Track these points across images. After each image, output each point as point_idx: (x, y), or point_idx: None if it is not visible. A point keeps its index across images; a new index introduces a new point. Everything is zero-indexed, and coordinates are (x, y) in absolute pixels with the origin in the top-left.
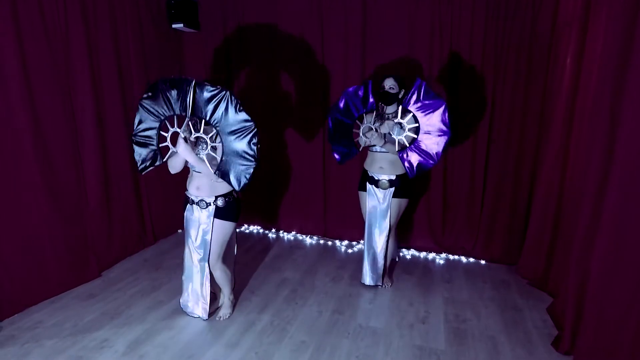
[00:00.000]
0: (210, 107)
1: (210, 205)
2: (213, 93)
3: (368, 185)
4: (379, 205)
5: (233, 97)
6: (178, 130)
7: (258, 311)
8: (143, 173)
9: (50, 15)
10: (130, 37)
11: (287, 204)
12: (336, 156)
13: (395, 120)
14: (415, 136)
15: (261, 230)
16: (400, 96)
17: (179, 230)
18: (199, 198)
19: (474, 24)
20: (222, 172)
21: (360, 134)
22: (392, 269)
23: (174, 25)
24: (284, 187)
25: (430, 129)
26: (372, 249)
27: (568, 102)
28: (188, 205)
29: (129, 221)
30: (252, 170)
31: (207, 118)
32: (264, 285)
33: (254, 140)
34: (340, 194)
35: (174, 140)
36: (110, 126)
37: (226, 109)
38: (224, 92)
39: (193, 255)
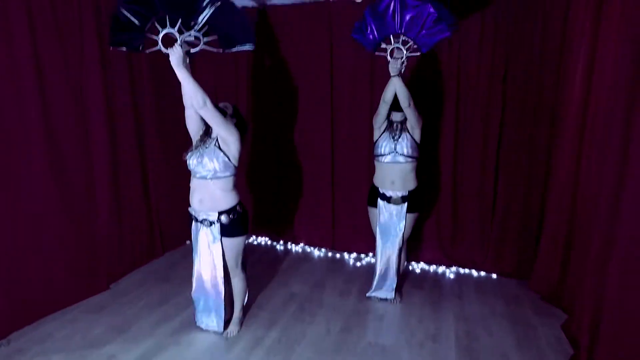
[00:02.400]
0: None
1: (214, 224)
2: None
3: (379, 201)
4: (391, 220)
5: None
6: (172, 31)
7: (266, 328)
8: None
9: (63, 18)
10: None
11: (295, 215)
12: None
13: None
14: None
15: (269, 242)
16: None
17: (187, 242)
18: (202, 217)
19: (484, 30)
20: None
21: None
22: (401, 283)
23: None
24: (292, 199)
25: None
26: (385, 264)
27: (580, 108)
28: (194, 223)
29: (139, 233)
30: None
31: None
32: (271, 300)
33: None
34: (349, 205)
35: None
36: (122, 137)
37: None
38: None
39: (204, 272)
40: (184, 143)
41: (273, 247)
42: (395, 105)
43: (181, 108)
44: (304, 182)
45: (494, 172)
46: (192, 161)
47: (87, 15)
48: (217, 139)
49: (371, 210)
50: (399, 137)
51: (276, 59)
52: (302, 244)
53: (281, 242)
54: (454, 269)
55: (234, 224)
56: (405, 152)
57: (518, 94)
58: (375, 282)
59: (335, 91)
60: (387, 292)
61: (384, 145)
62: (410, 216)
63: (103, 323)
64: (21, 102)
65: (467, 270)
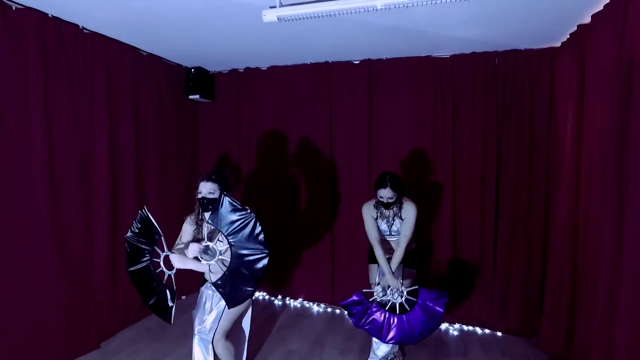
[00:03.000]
0: (234, 226)
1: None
2: (240, 215)
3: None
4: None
5: (258, 223)
6: (169, 253)
7: None
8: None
9: (77, 83)
10: (149, 108)
11: (294, 270)
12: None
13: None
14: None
15: (267, 297)
16: (395, 200)
17: (183, 297)
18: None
19: (474, 99)
20: (222, 285)
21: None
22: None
23: (190, 97)
24: (292, 253)
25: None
26: None
27: (572, 166)
28: (206, 283)
29: (133, 288)
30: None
31: (225, 234)
32: (269, 358)
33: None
34: (349, 261)
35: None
36: (123, 194)
37: (250, 232)
38: (251, 215)
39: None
40: (183, 202)
41: (271, 302)
42: (387, 207)
43: (181, 161)
44: (304, 236)
45: (493, 229)
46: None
47: (98, 82)
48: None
49: (371, 267)
50: (392, 222)
51: (276, 118)
52: (300, 299)
53: (279, 296)
54: (457, 326)
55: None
56: (397, 234)
57: (512, 151)
58: (373, 344)
59: (334, 147)
60: (389, 351)
61: (380, 225)
62: (408, 272)
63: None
64: (29, 158)
65: (471, 328)
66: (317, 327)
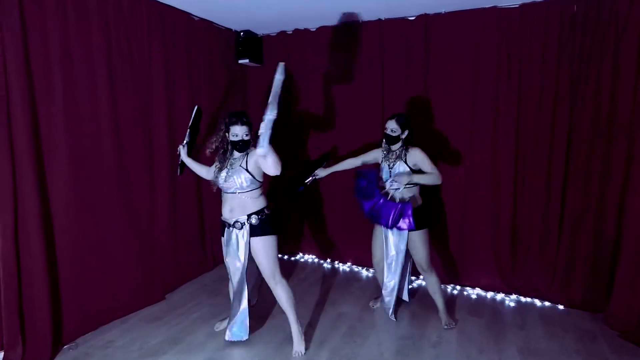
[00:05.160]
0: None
1: (244, 225)
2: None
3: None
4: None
5: None
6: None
7: (316, 347)
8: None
9: (137, 49)
10: (202, 72)
11: (342, 233)
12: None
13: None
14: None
15: (316, 260)
16: (403, 137)
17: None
18: (234, 219)
19: (545, 56)
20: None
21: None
22: (452, 308)
23: (240, 61)
24: (340, 216)
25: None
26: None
27: None
28: (226, 230)
29: (192, 246)
30: None
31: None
32: (319, 319)
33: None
34: None
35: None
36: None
37: None
38: None
39: (235, 280)
40: None
41: (320, 265)
42: (388, 141)
43: None
44: (352, 198)
45: (561, 187)
46: (221, 180)
47: (156, 49)
48: (244, 160)
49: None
50: (393, 164)
51: (324, 79)
52: (349, 263)
53: (328, 260)
54: (514, 297)
55: (263, 224)
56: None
57: (587, 118)
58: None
59: (386, 110)
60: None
61: (382, 171)
62: (419, 235)
63: (160, 334)
64: (99, 123)
65: (529, 299)
66: (368, 291)
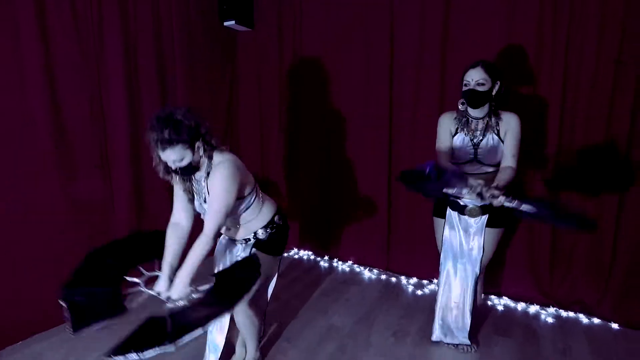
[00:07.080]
0: None
1: (249, 240)
2: None
3: (449, 212)
4: (463, 238)
5: None
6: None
7: None
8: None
9: (81, 5)
10: (175, 35)
11: (343, 227)
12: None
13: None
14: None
15: (312, 257)
16: (494, 92)
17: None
18: (241, 238)
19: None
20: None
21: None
22: (476, 324)
23: (225, 23)
24: (342, 208)
25: None
26: (448, 297)
27: None
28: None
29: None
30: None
31: None
32: (305, 332)
33: None
34: (409, 219)
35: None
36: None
37: None
38: None
39: None
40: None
41: (316, 264)
42: (474, 100)
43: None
44: (356, 188)
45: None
46: (198, 210)
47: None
48: (206, 182)
49: (437, 221)
50: (481, 137)
51: (329, 49)
52: (350, 262)
53: (326, 257)
54: (552, 310)
55: (271, 240)
56: (489, 161)
57: None
58: (437, 322)
59: (394, 89)
60: (459, 336)
61: (459, 148)
62: (494, 232)
63: (98, 348)
64: (26, 96)
65: (571, 314)
66: (368, 298)
